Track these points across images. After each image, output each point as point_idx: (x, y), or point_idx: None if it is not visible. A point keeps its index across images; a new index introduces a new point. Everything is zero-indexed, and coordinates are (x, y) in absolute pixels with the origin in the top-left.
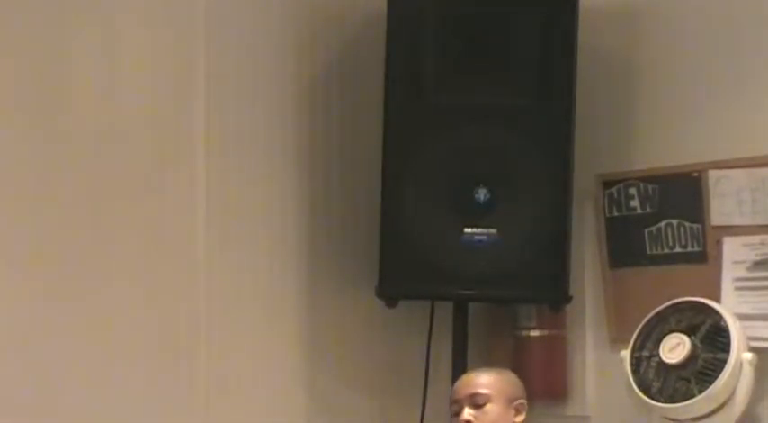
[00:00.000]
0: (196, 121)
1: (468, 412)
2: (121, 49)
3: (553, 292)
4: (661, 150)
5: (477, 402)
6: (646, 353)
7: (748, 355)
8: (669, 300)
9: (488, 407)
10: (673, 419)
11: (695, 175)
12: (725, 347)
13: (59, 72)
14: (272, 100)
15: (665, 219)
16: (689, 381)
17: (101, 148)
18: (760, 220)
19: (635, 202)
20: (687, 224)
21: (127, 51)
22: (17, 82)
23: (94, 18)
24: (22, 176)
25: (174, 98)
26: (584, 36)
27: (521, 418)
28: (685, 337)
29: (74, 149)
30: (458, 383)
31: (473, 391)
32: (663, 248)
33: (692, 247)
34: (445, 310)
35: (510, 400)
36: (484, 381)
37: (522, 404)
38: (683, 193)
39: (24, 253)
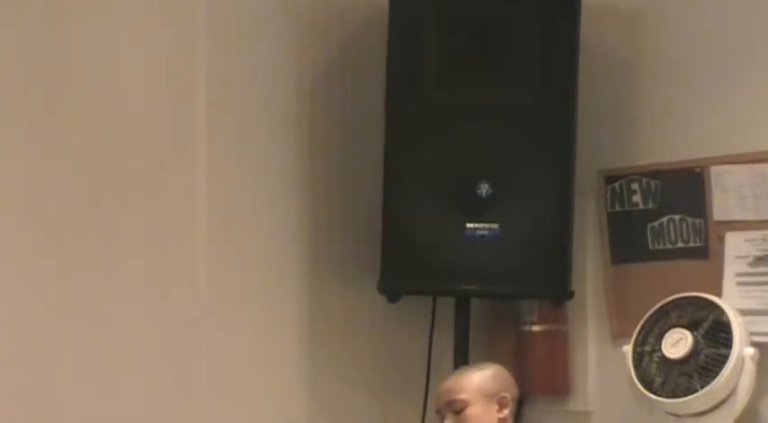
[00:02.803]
0: (197, 119)
1: (448, 421)
2: (122, 46)
3: (555, 288)
4: (663, 146)
5: (455, 409)
6: (648, 348)
7: (750, 351)
8: (671, 295)
9: (467, 411)
10: (675, 414)
11: (697, 170)
12: (727, 343)
13: (60, 71)
14: (273, 98)
15: (667, 214)
16: (691, 376)
17: (101, 146)
18: (762, 216)
19: (637, 198)
20: (689, 219)
21: (127, 49)
22: (18, 81)
23: (95, 17)
24: (23, 174)
25: (174, 96)
26: (586, 32)
27: (505, 412)
28: (687, 333)
29: (74, 149)
30: (437, 391)
31: (450, 398)
32: (665, 244)
33: (694, 242)
34: (447, 306)
35: (490, 397)
36: (460, 385)
37: (504, 397)
38: (685, 188)
39: (24, 251)
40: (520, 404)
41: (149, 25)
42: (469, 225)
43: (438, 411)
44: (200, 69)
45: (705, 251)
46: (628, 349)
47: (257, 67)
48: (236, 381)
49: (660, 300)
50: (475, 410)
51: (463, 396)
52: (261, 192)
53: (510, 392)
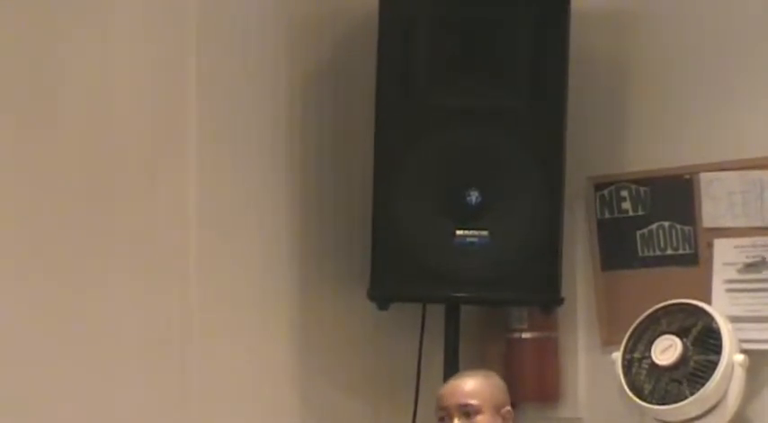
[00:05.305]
0: (188, 122)
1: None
2: (113, 44)
3: (545, 294)
4: (653, 152)
5: (467, 412)
6: (637, 355)
7: (739, 357)
8: (661, 302)
9: (479, 418)
10: (664, 421)
11: (687, 177)
12: (716, 349)
13: (49, 73)
14: (264, 100)
15: (656, 221)
16: (680, 383)
17: (91, 146)
18: (751, 223)
19: (627, 205)
20: (679, 226)
21: (118, 47)
22: (8, 78)
23: (87, 14)
24: (12, 179)
25: (165, 99)
26: (576, 38)
27: None
28: (677, 339)
29: (64, 148)
30: (445, 390)
31: (464, 401)
32: (654, 250)
33: (684, 249)
34: (437, 313)
35: (498, 409)
36: (474, 390)
37: (509, 411)
38: (674, 195)
39: (13, 257)
40: None
41: (140, 27)
42: (459, 232)
43: (443, 408)
44: (191, 71)
45: (694, 258)
46: (617, 356)
47: (248, 69)
48: (227, 386)
49: (650, 306)
50: (486, 419)
51: (477, 402)
52: (252, 196)
53: (510, 406)
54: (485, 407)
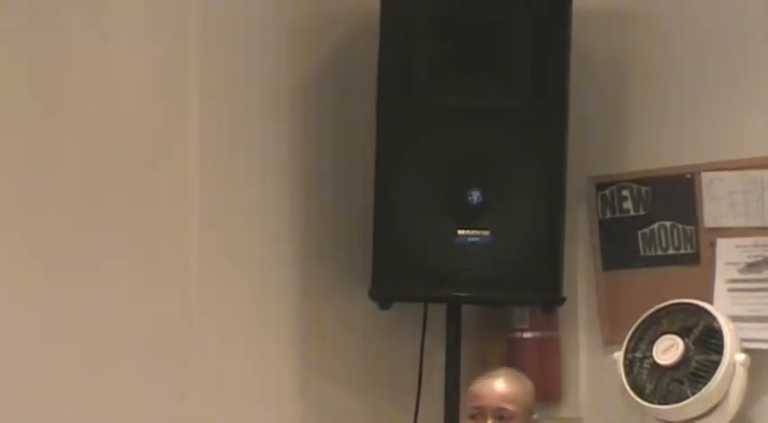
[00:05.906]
0: (189, 121)
1: None
2: (114, 44)
3: (546, 294)
4: (654, 152)
5: (502, 416)
6: (639, 354)
7: (741, 357)
8: (662, 301)
9: None
10: (666, 421)
11: (688, 176)
12: (718, 349)
13: (50, 69)
14: (265, 100)
15: (658, 220)
16: (682, 382)
17: (93, 146)
18: (753, 222)
19: (628, 204)
20: (680, 226)
21: (120, 48)
22: (8, 78)
23: (88, 14)
24: (13, 174)
25: (167, 98)
26: (577, 38)
27: None
28: (678, 339)
29: (65, 148)
30: (483, 388)
31: (502, 405)
32: (656, 250)
33: (685, 248)
34: (438, 312)
35: (529, 415)
36: (512, 394)
37: (536, 420)
38: (676, 194)
39: (14, 253)
40: None
41: (141, 28)
42: (461, 232)
43: (479, 407)
44: (192, 72)
45: (696, 258)
46: (619, 356)
47: (249, 70)
48: (228, 385)
49: (651, 306)
50: None
51: (514, 408)
52: (253, 196)
53: (537, 414)
54: (519, 413)
